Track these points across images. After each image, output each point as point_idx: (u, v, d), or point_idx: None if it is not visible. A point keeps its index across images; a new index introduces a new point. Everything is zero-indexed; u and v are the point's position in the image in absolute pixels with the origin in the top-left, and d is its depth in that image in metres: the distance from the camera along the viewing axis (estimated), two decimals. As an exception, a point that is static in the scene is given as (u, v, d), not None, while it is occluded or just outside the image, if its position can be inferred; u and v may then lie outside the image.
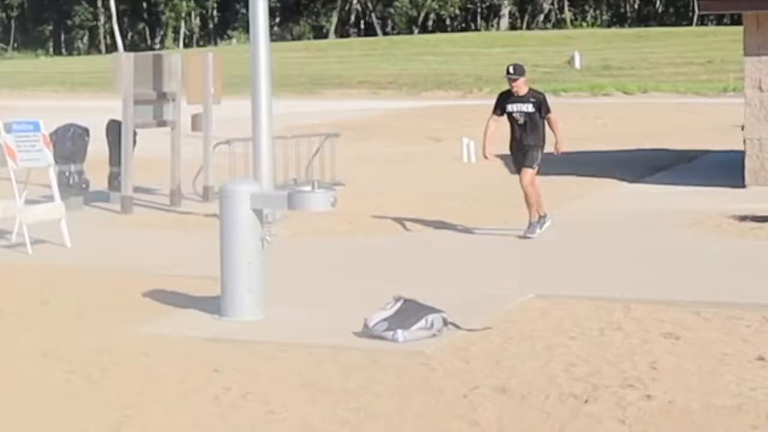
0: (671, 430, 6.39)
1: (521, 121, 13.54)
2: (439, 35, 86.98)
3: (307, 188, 9.37)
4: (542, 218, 13.62)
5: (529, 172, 13.55)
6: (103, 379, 7.69)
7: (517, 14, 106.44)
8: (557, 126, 13.66)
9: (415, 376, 7.60)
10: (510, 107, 13.59)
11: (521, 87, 13.56)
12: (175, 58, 17.49)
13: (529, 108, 13.50)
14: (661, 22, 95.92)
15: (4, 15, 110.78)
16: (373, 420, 6.69)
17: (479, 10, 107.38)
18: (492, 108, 13.88)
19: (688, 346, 8.27)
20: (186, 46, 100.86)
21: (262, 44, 13.98)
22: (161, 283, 10.76)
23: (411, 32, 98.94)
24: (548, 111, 13.57)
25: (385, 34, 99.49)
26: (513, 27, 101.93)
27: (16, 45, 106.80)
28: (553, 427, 6.49)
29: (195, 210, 16.31)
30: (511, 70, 13.59)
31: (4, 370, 7.88)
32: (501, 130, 13.77)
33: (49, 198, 13.99)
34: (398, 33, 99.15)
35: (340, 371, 7.75)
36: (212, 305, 9.53)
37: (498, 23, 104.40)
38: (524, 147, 13.58)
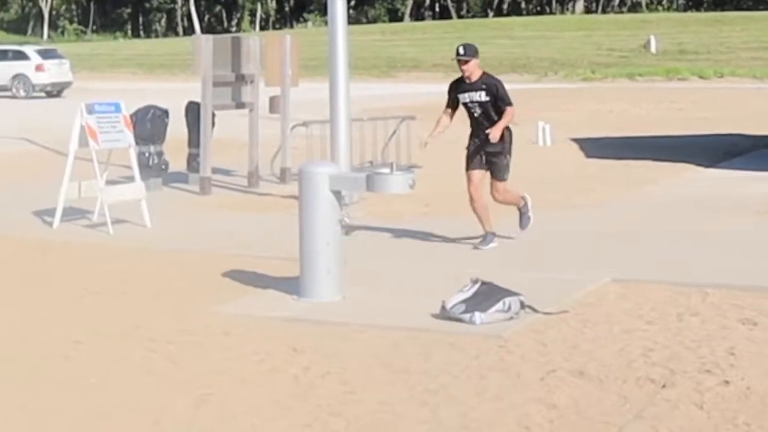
0: (749, 416, 6.37)
1: (476, 112, 11.89)
2: (513, 18, 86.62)
3: (386, 170, 9.42)
4: (489, 234, 11.96)
5: (500, 186, 12.11)
6: (184, 358, 7.80)
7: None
8: (507, 118, 11.79)
9: (492, 359, 7.63)
10: (462, 96, 11.93)
11: (473, 71, 11.79)
12: (254, 40, 17.60)
13: (481, 96, 11.78)
14: (738, 6, 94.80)
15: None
16: (451, 402, 6.73)
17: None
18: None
19: (766, 333, 8.22)
20: (262, 29, 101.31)
21: (339, 28, 14.07)
22: (240, 263, 10.87)
23: (486, 15, 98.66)
24: (506, 103, 11.76)
25: (459, 17, 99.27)
26: (588, 11, 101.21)
27: (95, 28, 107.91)
28: (631, 411, 6.49)
29: (272, 191, 16.44)
30: (461, 51, 11.82)
31: (87, 349, 8.00)
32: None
33: (129, 179, 14.17)
34: (473, 16, 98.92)
35: (418, 353, 7.80)
36: (291, 286, 9.62)
37: (573, 7, 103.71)
38: (487, 153, 11.94)
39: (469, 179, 11.97)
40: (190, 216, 14.37)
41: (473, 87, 11.79)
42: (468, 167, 12.00)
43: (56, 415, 6.60)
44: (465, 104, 11.88)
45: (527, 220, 12.23)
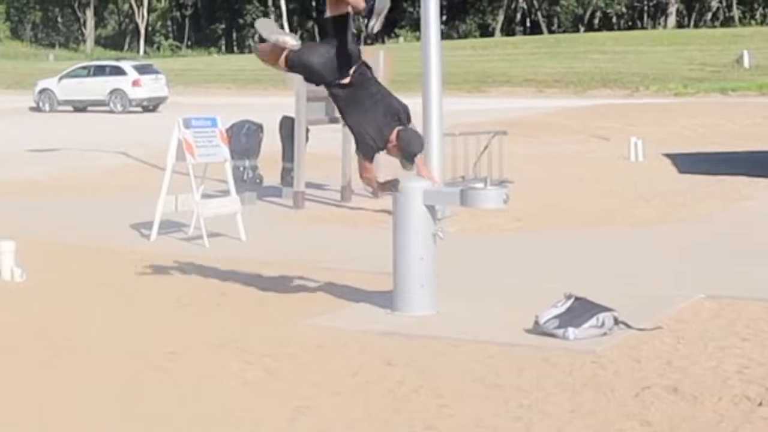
0: None
1: None
2: (605, 33, 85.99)
3: (480, 185, 9.45)
4: None
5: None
6: (279, 370, 7.88)
7: (684, 12, 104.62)
8: None
9: (586, 374, 7.62)
10: None
11: None
12: (347, 56, 17.67)
13: None
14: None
15: (178, 14, 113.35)
16: (545, 417, 6.74)
17: (646, 8, 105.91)
18: None
19: None
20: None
21: (433, 43, 14.16)
22: (334, 276, 10.96)
23: (577, 30, 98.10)
24: None
25: (550, 32, 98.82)
26: (680, 25, 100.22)
27: (189, 43, 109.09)
28: (727, 429, 6.45)
29: (365, 206, 16.52)
30: None
31: (183, 359, 8.11)
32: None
33: (225, 193, 14.35)
34: (564, 31, 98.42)
35: (511, 368, 7.81)
36: (384, 299, 9.68)
37: (665, 21, 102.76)
38: None
39: None
40: (284, 229, 14.50)
41: None
42: None
43: (154, 424, 6.72)
44: None
45: None
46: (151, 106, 45.37)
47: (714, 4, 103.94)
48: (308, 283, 10.72)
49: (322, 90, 16.72)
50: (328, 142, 21.10)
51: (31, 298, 10.25)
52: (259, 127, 17.02)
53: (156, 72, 46.98)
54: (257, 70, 66.22)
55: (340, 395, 7.28)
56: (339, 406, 7.05)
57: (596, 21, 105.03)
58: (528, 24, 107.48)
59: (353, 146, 17.35)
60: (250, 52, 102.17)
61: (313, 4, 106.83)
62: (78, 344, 8.41)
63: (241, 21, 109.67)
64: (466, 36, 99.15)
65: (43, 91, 46.72)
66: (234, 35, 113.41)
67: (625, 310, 8.81)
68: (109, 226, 14.48)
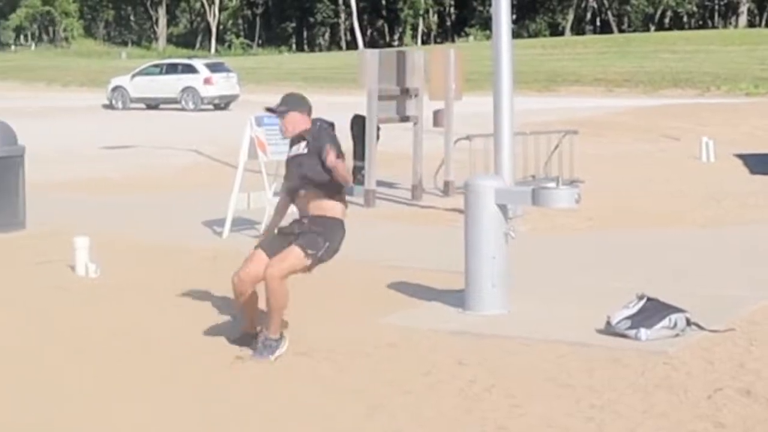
0: None
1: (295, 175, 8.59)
2: (676, 33, 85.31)
3: (551, 184, 9.44)
4: (275, 341, 8.17)
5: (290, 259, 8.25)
6: (352, 368, 7.93)
7: (755, 11, 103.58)
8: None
9: (658, 375, 7.59)
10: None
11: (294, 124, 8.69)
12: (418, 54, 17.75)
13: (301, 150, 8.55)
14: None
15: (249, 12, 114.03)
16: (617, 418, 6.73)
17: (717, 7, 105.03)
18: None
19: None
20: (424, 43, 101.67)
21: (504, 42, 14.15)
22: (405, 275, 10.99)
23: (647, 30, 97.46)
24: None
25: (620, 31, 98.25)
26: (751, 24, 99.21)
27: (260, 42, 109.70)
28: (801, 432, 6.42)
29: (436, 204, 16.55)
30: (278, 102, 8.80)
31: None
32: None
33: (296, 190, 14.42)
34: (634, 30, 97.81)
35: (582, 368, 7.81)
36: (456, 299, 9.70)
37: (736, 21, 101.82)
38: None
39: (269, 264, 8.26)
40: (355, 228, 14.39)
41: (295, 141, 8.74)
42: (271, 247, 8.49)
43: (228, 423, 6.79)
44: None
45: (261, 354, 8.11)
46: (222, 104, 45.66)
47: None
48: (380, 282, 10.76)
49: (394, 88, 16.98)
50: (399, 141, 21.15)
51: (105, 295, 10.38)
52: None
53: (227, 70, 47.28)
54: (328, 69, 66.56)
55: (412, 394, 7.31)
56: (411, 404, 7.09)
57: (667, 20, 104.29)
58: (598, 23, 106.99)
59: (425, 145, 17.49)
60: (321, 50, 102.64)
61: (383, 2, 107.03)
62: (150, 342, 8.50)
63: (311, 19, 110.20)
64: (536, 35, 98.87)
65: (116, 88, 47.21)
66: (304, 33, 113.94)
67: (697, 312, 8.77)
68: (182, 223, 14.62)
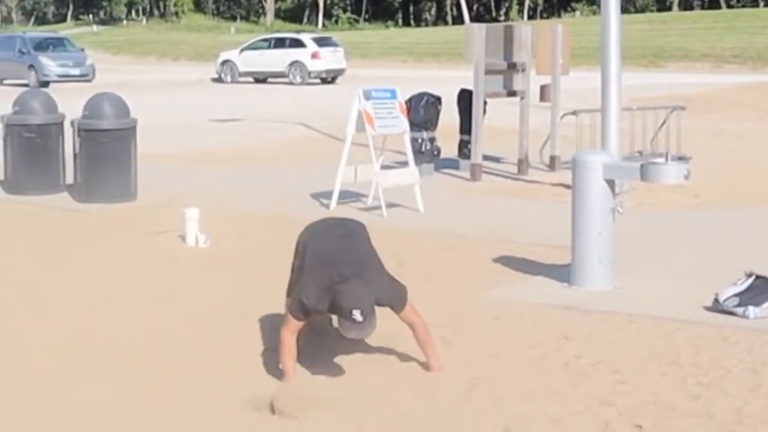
0: None
1: None
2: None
3: (660, 160, 9.37)
4: None
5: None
6: (457, 341, 7.96)
7: None
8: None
9: (766, 354, 7.51)
10: None
11: None
12: (526, 29, 17.67)
13: None
14: None
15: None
16: (724, 396, 6.69)
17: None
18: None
19: None
20: (530, 18, 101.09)
21: (612, 17, 14.03)
22: (510, 249, 11.00)
23: (756, 5, 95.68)
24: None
25: (729, 6, 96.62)
26: None
27: (367, 17, 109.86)
28: None
29: (542, 179, 16.50)
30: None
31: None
32: None
33: (403, 164, 14.48)
34: (743, 6, 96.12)
35: (689, 345, 7.76)
36: (561, 273, 9.69)
37: None
38: None
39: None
40: (461, 201, 14.58)
41: None
42: None
43: (336, 388, 6.87)
44: None
45: None
46: (329, 78, 45.88)
47: None
48: (485, 255, 10.78)
49: (500, 63, 16.94)
50: (506, 115, 21.10)
51: (216, 265, 10.54)
52: (438, 100, 17.10)
53: (335, 45, 47.49)
54: (434, 44, 66.52)
55: (517, 367, 7.34)
56: (515, 378, 7.11)
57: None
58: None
59: (531, 119, 17.45)
60: (427, 25, 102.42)
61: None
62: (261, 313, 8.61)
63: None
64: (643, 10, 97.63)
65: (225, 62, 47.71)
66: (411, 8, 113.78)
67: (807, 290, 8.64)
68: (289, 194, 14.75)
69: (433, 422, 6.34)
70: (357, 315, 6.72)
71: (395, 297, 7.23)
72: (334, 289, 6.85)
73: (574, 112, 17.15)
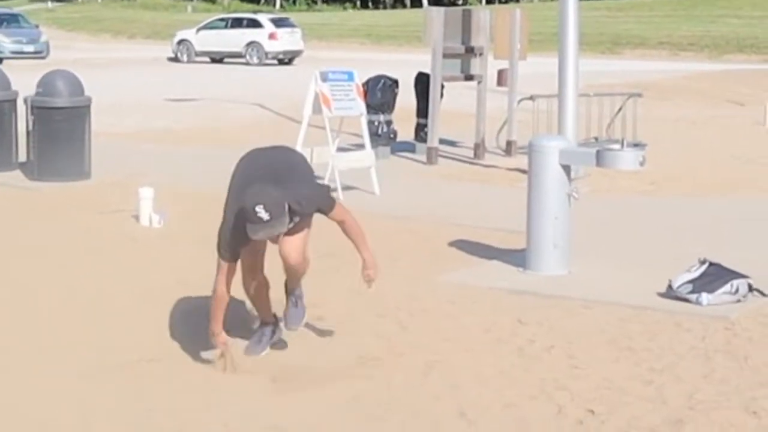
0: None
1: None
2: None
3: (616, 146, 9.41)
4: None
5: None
6: (412, 324, 7.98)
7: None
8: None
9: (718, 341, 7.57)
10: None
11: None
12: (484, 13, 17.68)
13: None
14: None
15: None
16: (677, 382, 6.72)
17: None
18: None
19: None
20: (488, 2, 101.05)
21: (570, 3, 14.07)
22: (466, 233, 11.00)
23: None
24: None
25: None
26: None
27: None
28: None
29: (498, 164, 16.52)
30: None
31: (319, 312, 8.21)
32: None
33: (360, 146, 14.46)
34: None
35: (643, 331, 7.80)
36: (517, 258, 9.71)
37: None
38: None
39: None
40: (417, 185, 14.58)
41: None
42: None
43: (292, 372, 6.86)
44: None
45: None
46: (286, 59, 45.73)
47: None
48: (441, 239, 10.78)
49: (458, 47, 16.94)
50: (463, 99, 21.11)
51: (169, 245, 10.50)
52: (395, 83, 17.08)
53: (292, 26, 47.33)
54: (392, 26, 66.45)
55: (472, 351, 7.35)
56: (470, 362, 7.12)
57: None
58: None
59: (488, 104, 17.47)
60: (386, 7, 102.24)
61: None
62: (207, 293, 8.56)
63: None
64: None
65: (181, 42, 47.43)
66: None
67: (759, 278, 8.71)
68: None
69: (388, 405, 6.33)
70: (260, 211, 6.39)
71: (318, 199, 6.96)
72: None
73: (531, 98, 17.19)
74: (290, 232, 6.88)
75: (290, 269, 7.16)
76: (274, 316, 7.41)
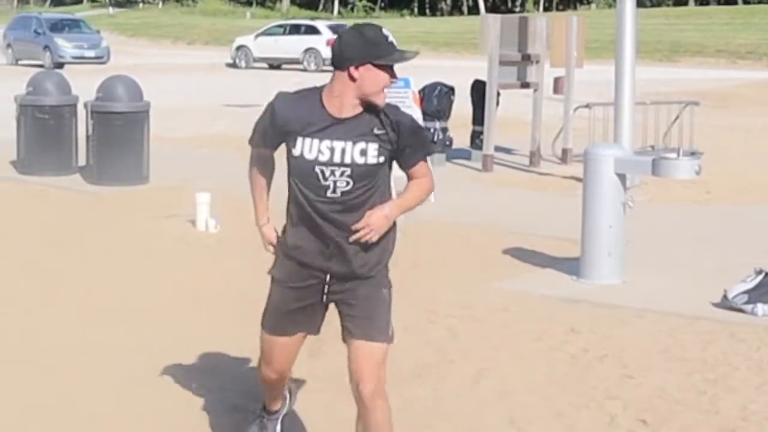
0: None
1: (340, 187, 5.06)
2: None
3: (672, 155, 9.37)
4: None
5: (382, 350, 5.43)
6: (463, 331, 7.99)
7: None
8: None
9: (773, 352, 7.54)
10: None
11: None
12: (541, 20, 17.65)
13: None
14: None
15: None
16: (730, 392, 6.69)
17: None
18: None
19: None
20: (546, 9, 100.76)
21: (628, 10, 14.00)
22: (520, 241, 10.99)
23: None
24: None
25: (745, 2, 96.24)
26: None
27: (383, 5, 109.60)
28: None
29: (553, 171, 16.48)
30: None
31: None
32: None
33: (414, 153, 14.45)
34: (759, 2, 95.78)
35: (696, 341, 7.77)
36: (570, 266, 9.69)
37: None
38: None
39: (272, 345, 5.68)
40: (473, 192, 14.58)
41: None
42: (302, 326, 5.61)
43: (338, 378, 6.88)
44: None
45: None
46: (343, 65, 45.77)
47: None
48: (495, 246, 10.78)
49: (514, 54, 16.92)
50: (519, 107, 21.08)
51: (224, 250, 10.56)
52: (451, 90, 17.09)
53: (350, 32, 47.39)
54: (449, 33, 66.40)
55: (523, 359, 7.35)
56: (521, 369, 7.12)
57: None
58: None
59: (544, 112, 17.42)
60: (442, 14, 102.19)
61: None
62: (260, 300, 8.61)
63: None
64: (659, 4, 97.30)
65: (239, 48, 47.68)
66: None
67: (816, 289, 8.63)
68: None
69: (438, 412, 6.35)
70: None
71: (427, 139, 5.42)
72: None
73: (588, 105, 17.13)
74: (364, 332, 5.26)
75: (365, 406, 5.16)
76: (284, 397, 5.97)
